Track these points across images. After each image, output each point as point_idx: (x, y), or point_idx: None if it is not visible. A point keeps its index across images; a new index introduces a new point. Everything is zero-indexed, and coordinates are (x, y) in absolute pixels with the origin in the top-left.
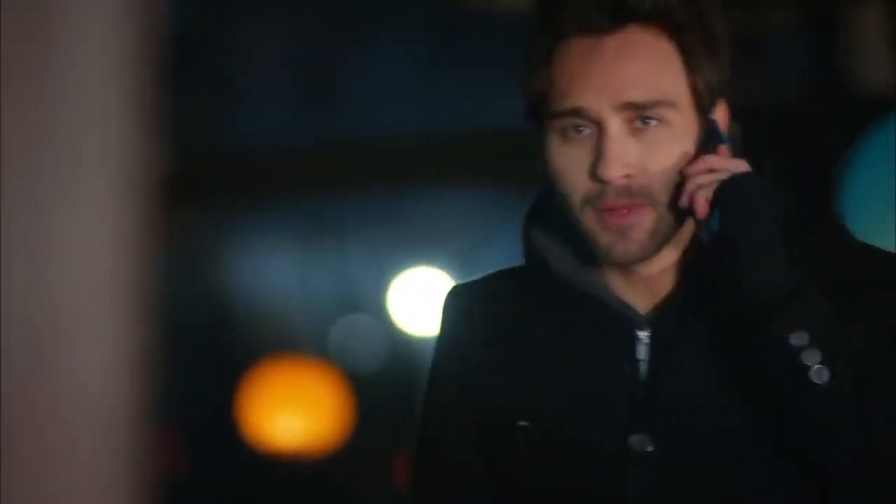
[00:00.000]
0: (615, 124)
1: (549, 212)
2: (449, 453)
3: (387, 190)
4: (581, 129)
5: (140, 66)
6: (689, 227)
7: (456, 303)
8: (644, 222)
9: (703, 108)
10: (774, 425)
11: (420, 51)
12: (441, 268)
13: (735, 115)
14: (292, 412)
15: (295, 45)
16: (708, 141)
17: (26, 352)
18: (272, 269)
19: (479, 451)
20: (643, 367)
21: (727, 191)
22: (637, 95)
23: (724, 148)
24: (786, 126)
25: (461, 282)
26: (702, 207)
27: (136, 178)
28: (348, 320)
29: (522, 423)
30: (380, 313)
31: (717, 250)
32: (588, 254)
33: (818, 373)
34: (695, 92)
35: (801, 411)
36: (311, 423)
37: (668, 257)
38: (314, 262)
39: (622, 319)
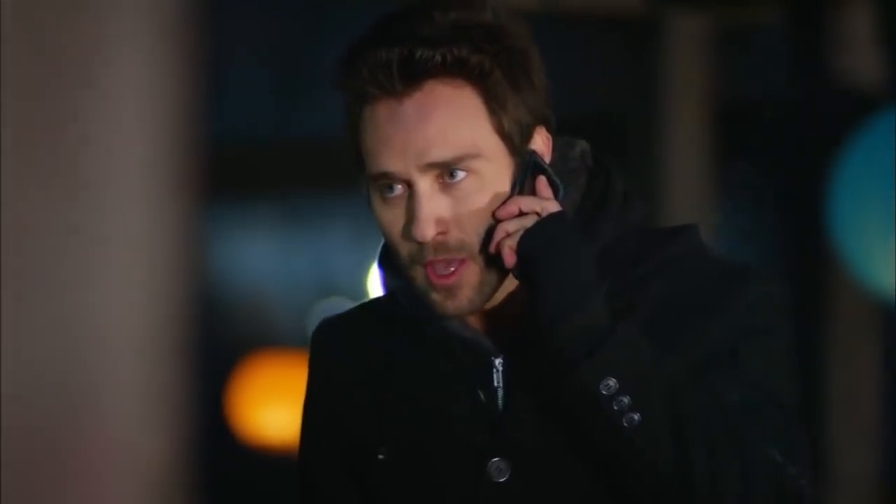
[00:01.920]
0: (424, 184)
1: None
2: (321, 486)
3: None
4: (394, 188)
5: (178, 61)
6: None
7: (323, 337)
8: (468, 279)
9: (515, 147)
10: (596, 460)
11: None
12: None
13: (568, 130)
14: (280, 405)
15: (278, 37)
16: (526, 174)
17: (61, 364)
18: (253, 261)
19: (350, 483)
20: (500, 394)
21: (528, 239)
22: (439, 155)
23: (542, 180)
24: (775, 123)
25: (330, 315)
26: (508, 257)
27: (176, 179)
28: (328, 305)
29: (381, 456)
30: (359, 298)
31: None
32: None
33: (628, 418)
34: (502, 135)
35: (615, 451)
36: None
37: (510, 285)
38: (294, 251)
39: (476, 347)
